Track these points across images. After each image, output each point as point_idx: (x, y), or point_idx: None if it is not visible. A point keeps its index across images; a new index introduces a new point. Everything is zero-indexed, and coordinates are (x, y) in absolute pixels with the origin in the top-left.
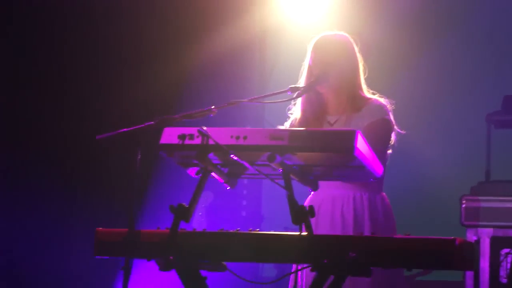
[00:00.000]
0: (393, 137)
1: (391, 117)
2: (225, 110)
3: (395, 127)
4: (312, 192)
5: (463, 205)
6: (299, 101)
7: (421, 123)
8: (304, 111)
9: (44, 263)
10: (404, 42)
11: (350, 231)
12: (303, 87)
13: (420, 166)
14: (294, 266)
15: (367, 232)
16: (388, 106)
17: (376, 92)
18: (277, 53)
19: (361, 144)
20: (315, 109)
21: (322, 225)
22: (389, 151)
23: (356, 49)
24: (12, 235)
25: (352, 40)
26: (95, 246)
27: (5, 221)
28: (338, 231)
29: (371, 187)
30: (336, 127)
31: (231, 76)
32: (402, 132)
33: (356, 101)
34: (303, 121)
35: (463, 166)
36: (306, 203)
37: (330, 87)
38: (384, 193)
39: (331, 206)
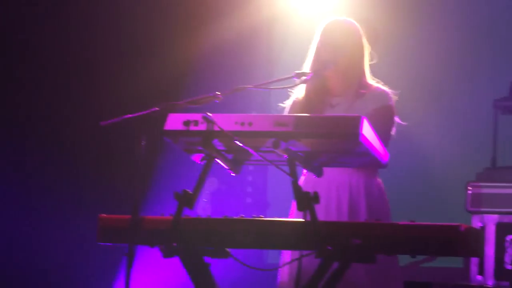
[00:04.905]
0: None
1: (394, 105)
2: (231, 97)
3: (396, 117)
4: (304, 176)
5: (469, 192)
6: None
7: (427, 109)
8: (307, 92)
9: (47, 250)
10: (409, 29)
11: (345, 217)
12: (310, 73)
13: (426, 152)
14: (283, 253)
15: (362, 218)
16: (391, 95)
17: (380, 81)
18: (284, 40)
19: (367, 130)
20: (319, 91)
21: (317, 210)
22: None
23: (363, 36)
24: (16, 222)
25: (359, 27)
26: (98, 233)
27: (9, 209)
28: (333, 217)
29: (367, 172)
30: (338, 109)
31: (238, 63)
32: (403, 123)
33: (360, 87)
34: (305, 101)
35: (469, 152)
36: None
37: (337, 72)
38: (379, 179)
39: (327, 191)
